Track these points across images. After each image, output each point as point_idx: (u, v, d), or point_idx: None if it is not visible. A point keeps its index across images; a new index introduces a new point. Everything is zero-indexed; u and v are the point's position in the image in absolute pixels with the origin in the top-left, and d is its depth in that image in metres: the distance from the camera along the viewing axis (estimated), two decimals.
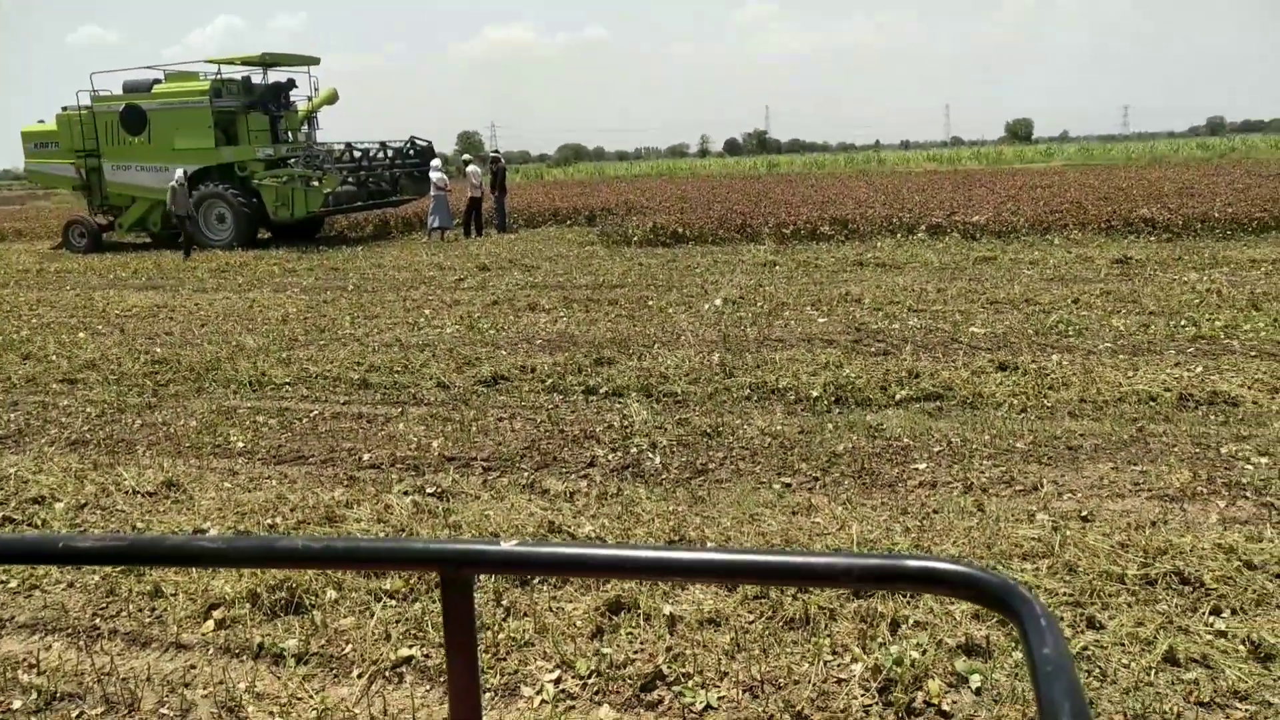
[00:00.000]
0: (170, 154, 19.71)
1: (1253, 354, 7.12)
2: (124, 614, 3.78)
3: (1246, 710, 2.88)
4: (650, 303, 10.46)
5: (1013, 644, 3.24)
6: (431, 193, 19.70)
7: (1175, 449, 5.20)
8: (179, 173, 18.25)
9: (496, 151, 26.44)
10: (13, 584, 4.05)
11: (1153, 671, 3.08)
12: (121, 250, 20.36)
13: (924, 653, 3.20)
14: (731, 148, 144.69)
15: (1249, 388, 6.17)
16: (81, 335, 9.90)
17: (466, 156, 21.80)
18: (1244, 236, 14.11)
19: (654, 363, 7.50)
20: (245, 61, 20.48)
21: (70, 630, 3.66)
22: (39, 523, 4.75)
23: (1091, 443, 5.36)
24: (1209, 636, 3.26)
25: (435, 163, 20.50)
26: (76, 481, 5.29)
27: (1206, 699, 2.94)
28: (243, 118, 19.98)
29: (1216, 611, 3.41)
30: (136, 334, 9.96)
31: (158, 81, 20.76)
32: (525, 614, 3.61)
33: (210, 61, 20.53)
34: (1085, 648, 3.23)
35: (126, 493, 5.11)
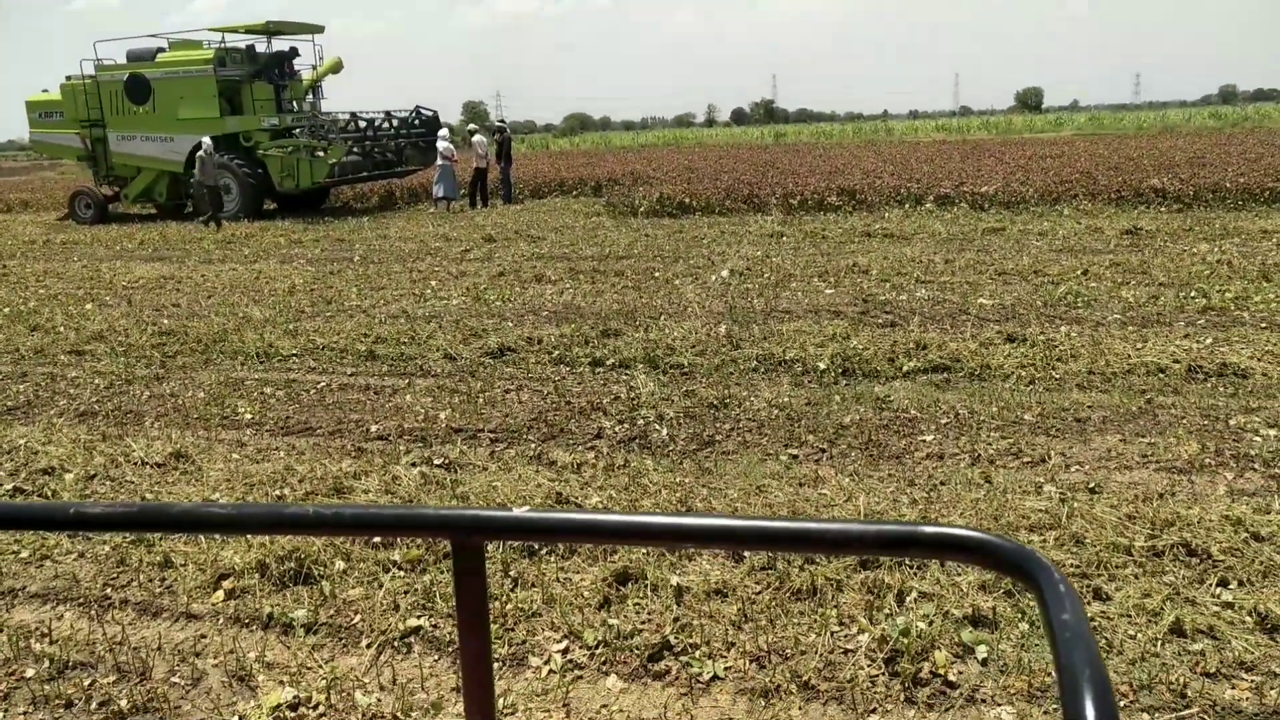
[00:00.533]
0: (175, 124, 19.63)
1: (1263, 325, 7.08)
2: (134, 584, 3.80)
3: (1253, 680, 2.89)
4: (657, 274, 10.43)
5: (1019, 614, 3.25)
6: (438, 163, 19.61)
7: (1184, 421, 5.19)
8: (206, 141, 18.10)
9: (502, 122, 26.30)
10: (24, 554, 4.08)
11: (1159, 643, 3.08)
12: (127, 221, 20.35)
13: (930, 623, 3.21)
14: (738, 117, 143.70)
15: (1259, 359, 6.14)
16: (89, 307, 9.91)
17: (472, 126, 21.73)
18: (1256, 207, 13.99)
19: (660, 334, 7.49)
20: (249, 29, 20.33)
21: (81, 600, 3.69)
22: (49, 493, 4.78)
23: (1100, 414, 5.34)
24: (1216, 608, 3.26)
25: (442, 133, 20.38)
26: (85, 452, 5.31)
27: (1213, 670, 2.94)
28: (247, 87, 19.86)
29: (1224, 583, 3.41)
30: (144, 305, 9.97)
31: (161, 50, 20.64)
32: (533, 584, 3.63)
33: (214, 30, 20.39)
34: (1092, 618, 3.24)
35: (135, 464, 5.13)
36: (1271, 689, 2.83)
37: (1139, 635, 3.13)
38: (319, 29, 21.58)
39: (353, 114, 21.71)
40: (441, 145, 19.60)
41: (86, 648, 3.32)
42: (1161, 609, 3.25)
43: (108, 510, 1.39)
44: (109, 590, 3.77)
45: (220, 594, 3.67)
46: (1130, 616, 3.24)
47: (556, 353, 7.16)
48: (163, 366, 7.38)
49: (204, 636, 3.41)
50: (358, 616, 3.48)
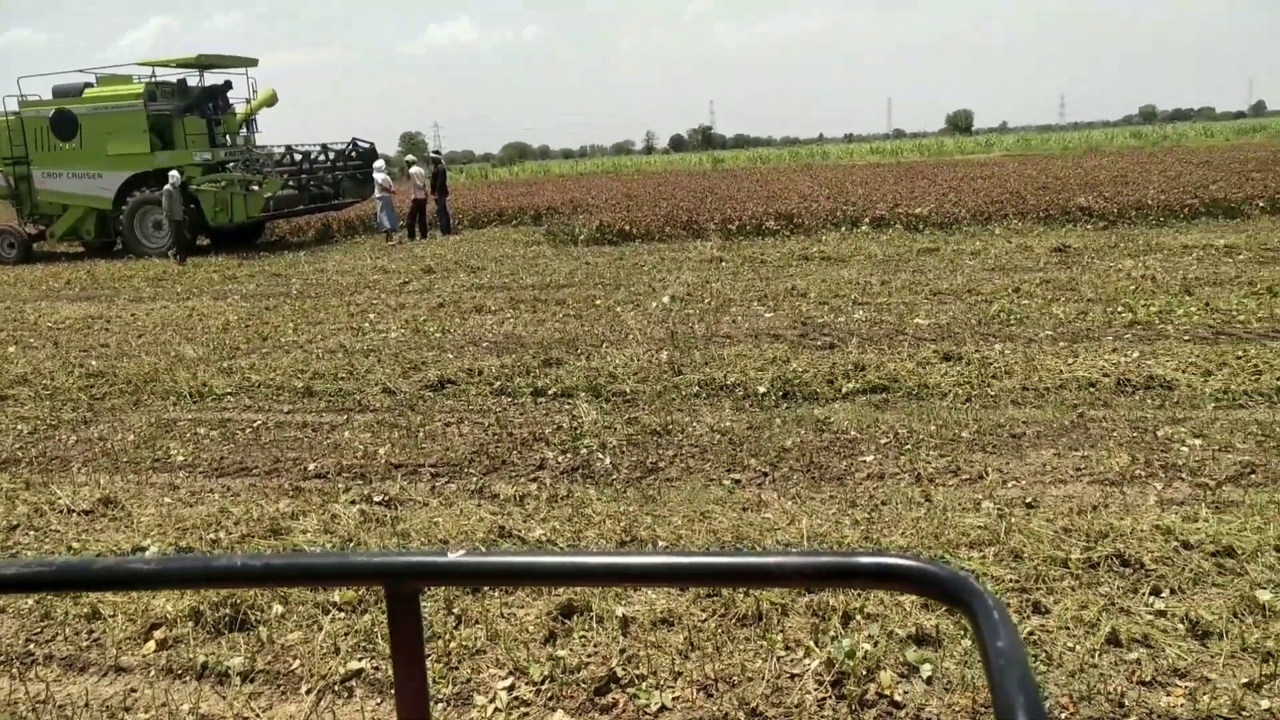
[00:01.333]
0: (103, 160, 19.21)
1: (1186, 338, 7.31)
2: (60, 638, 3.66)
3: (1186, 687, 2.94)
4: (598, 302, 10.44)
5: (961, 632, 3.28)
6: (376, 194, 19.45)
7: (1114, 433, 5.31)
8: (175, 175, 17.70)
9: (437, 153, 26.19)
10: None
11: (1097, 653, 3.14)
12: (54, 260, 19.81)
13: (875, 644, 3.22)
14: (677, 144, 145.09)
15: (1183, 371, 6.33)
16: (12, 350, 9.61)
17: (410, 158, 21.60)
18: (1176, 223, 14.48)
19: (602, 362, 7.48)
20: (180, 64, 20.00)
21: (3, 658, 3.55)
22: None
23: (1034, 430, 5.45)
24: (1149, 616, 3.33)
25: (379, 164, 20.23)
26: (7, 502, 5.13)
27: (1149, 678, 3.00)
28: (179, 121, 19.53)
29: (1156, 592, 3.49)
30: (70, 347, 9.69)
31: (89, 85, 20.20)
32: (476, 621, 3.57)
33: (144, 64, 20.03)
34: (1031, 633, 3.28)
35: (61, 512, 4.96)
36: (1204, 695, 2.89)
37: (1077, 647, 3.18)
38: (252, 62, 21.32)
39: (288, 147, 21.47)
40: (379, 177, 19.46)
41: (7, 708, 3.18)
42: (1098, 620, 3.31)
43: (24, 570, 1.33)
44: (32, 646, 3.62)
45: (152, 645, 3.55)
46: (1069, 628, 3.30)
47: (498, 383, 7.11)
48: (90, 409, 7.17)
49: (134, 690, 3.29)
50: (296, 662, 3.39)
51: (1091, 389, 6.14)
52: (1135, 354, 6.82)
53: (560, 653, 3.32)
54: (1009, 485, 4.69)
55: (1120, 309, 8.35)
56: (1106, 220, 14.91)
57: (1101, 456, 4.94)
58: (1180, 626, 3.26)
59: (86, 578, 1.46)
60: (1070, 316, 8.23)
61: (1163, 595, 3.47)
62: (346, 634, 3.53)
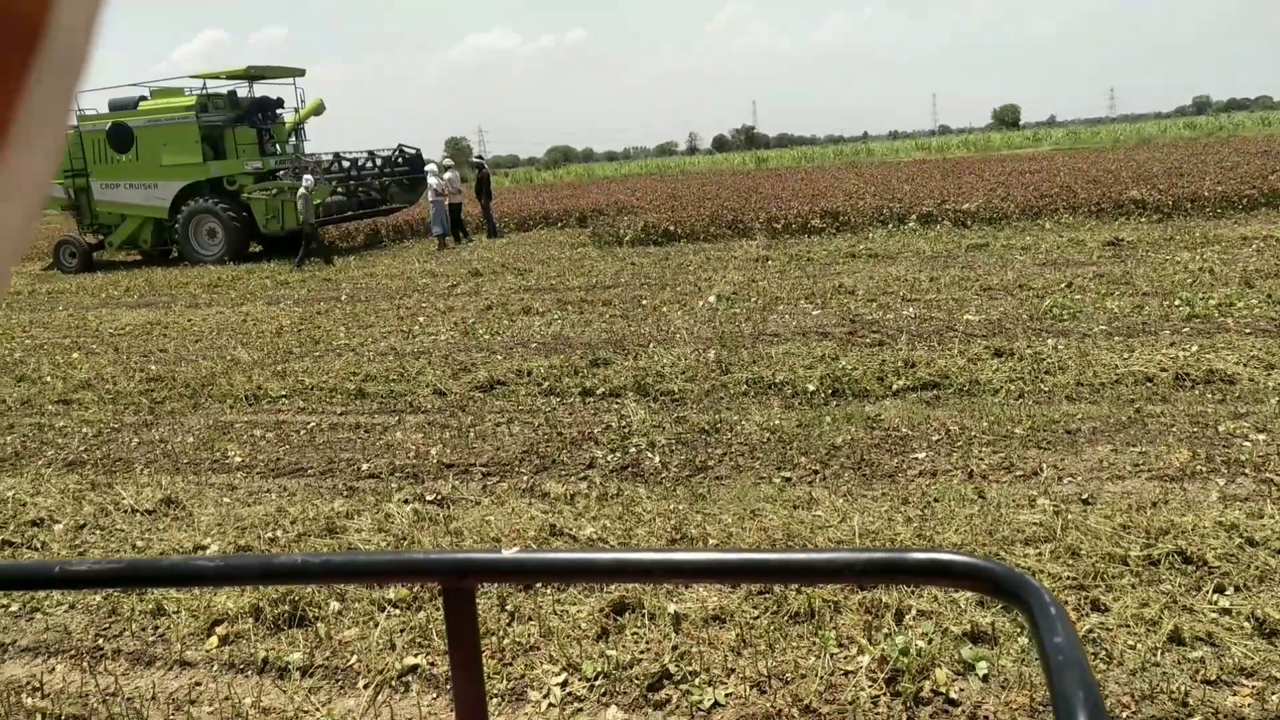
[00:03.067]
0: (158, 170, 19.67)
1: (1247, 331, 7.13)
2: (127, 633, 3.76)
3: (1253, 686, 2.88)
4: (644, 302, 10.46)
5: (1018, 629, 3.24)
6: (430, 199, 19.61)
7: (1173, 429, 5.21)
8: (307, 179, 18.03)
9: (480, 158, 26.37)
10: (14, 608, 4.04)
11: (1159, 652, 3.08)
12: (113, 269, 20.31)
13: (930, 642, 3.20)
14: (720, 144, 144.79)
15: (1245, 365, 6.18)
16: (75, 355, 9.87)
17: (447, 161, 21.70)
18: (1234, 214, 14.12)
19: (650, 362, 7.50)
20: (230, 75, 20.43)
21: (73, 652, 3.65)
22: (38, 545, 4.74)
23: (1090, 425, 5.36)
24: (1214, 615, 3.26)
25: (431, 168, 20.37)
26: (74, 502, 5.27)
27: (1213, 677, 2.94)
28: (230, 132, 19.93)
29: (1220, 589, 3.41)
30: (131, 352, 9.94)
31: (143, 98, 20.71)
32: (530, 618, 3.61)
33: (196, 76, 20.50)
34: (1091, 630, 3.23)
35: (125, 511, 5.10)
36: (1273, 694, 2.83)
37: (1138, 645, 3.13)
38: (300, 72, 21.69)
39: (336, 154, 21.79)
40: (432, 181, 19.61)
41: (79, 701, 3.28)
42: (1160, 618, 3.25)
43: (96, 568, 1.38)
44: (101, 641, 3.73)
45: (214, 640, 3.64)
46: (1129, 626, 3.24)
47: (546, 384, 7.16)
48: (151, 412, 7.34)
49: (198, 684, 3.38)
50: (354, 657, 3.45)
51: (1149, 384, 6.02)
52: (1194, 348, 6.67)
53: (612, 650, 3.34)
54: (1064, 482, 4.62)
55: (1177, 302, 8.17)
56: (1161, 213, 14.59)
57: (1160, 452, 4.84)
58: (1246, 625, 3.18)
59: (156, 575, 1.51)
60: (1125, 311, 8.08)
61: (1227, 593, 3.39)
62: (402, 630, 3.58)
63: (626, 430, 5.93)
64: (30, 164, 0.26)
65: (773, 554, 1.17)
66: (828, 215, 16.71)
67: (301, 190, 17.64)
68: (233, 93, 20.65)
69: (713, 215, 18.10)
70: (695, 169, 54.59)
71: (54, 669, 3.55)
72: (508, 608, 3.68)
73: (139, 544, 4.67)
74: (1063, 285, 9.41)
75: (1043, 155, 36.38)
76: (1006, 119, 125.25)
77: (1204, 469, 4.61)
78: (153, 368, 8.88)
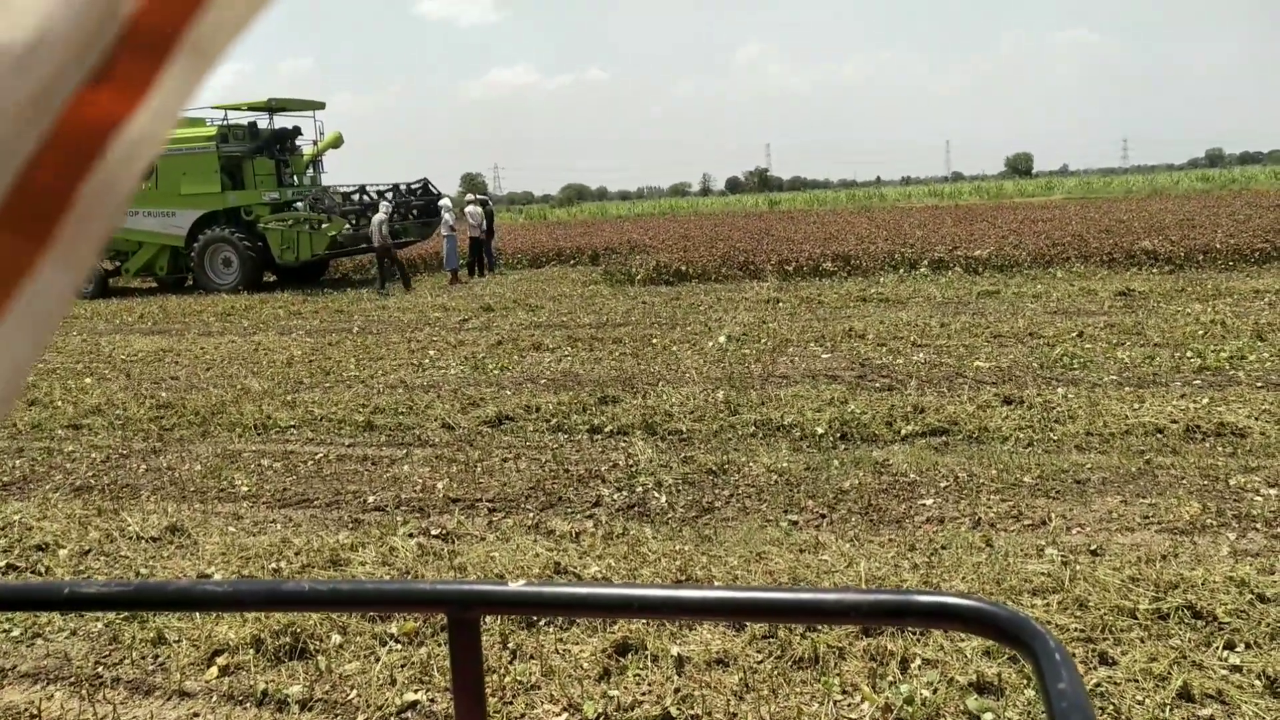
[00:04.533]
0: (177, 199, 19.87)
1: (1259, 384, 7.10)
2: (127, 661, 3.75)
3: None
4: (654, 341, 10.48)
5: (1025, 681, 3.20)
6: (443, 233, 19.75)
7: (1184, 481, 5.17)
8: (385, 205, 18.60)
9: (484, 196, 26.53)
10: (15, 632, 4.03)
11: (1168, 708, 3.04)
12: (127, 295, 20.47)
13: (935, 691, 3.16)
14: (733, 186, 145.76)
15: (1256, 418, 6.15)
16: (87, 380, 9.92)
17: (470, 197, 21.91)
18: (1246, 267, 14.12)
19: (658, 401, 7.50)
20: (251, 107, 20.71)
21: (73, 679, 3.64)
22: (43, 570, 4.74)
23: (1099, 476, 5.33)
24: (1224, 671, 3.22)
25: (445, 203, 20.53)
26: (80, 528, 5.27)
27: None
28: (249, 162, 20.16)
29: (1230, 646, 3.37)
30: (142, 379, 9.99)
31: None
32: (532, 656, 3.58)
33: (217, 107, 20.78)
34: (1099, 684, 3.19)
35: (131, 538, 5.10)
36: None
37: (1147, 700, 3.08)
38: (320, 105, 21.98)
39: (361, 187, 22.02)
40: (447, 216, 19.74)
41: None
42: (1169, 673, 3.20)
43: (103, 590, 1.38)
44: (101, 669, 3.71)
45: (214, 671, 3.62)
46: (1137, 681, 3.20)
47: (555, 420, 7.16)
48: (160, 439, 7.36)
49: (197, 715, 3.35)
50: (354, 692, 3.43)
51: (1159, 435, 5.99)
52: (1205, 400, 6.64)
53: (614, 690, 3.31)
54: (1073, 532, 4.59)
55: (1189, 354, 8.15)
56: (1173, 264, 14.60)
57: (1170, 505, 4.80)
58: (1257, 683, 3.14)
59: (164, 598, 1.51)
60: (1136, 361, 8.06)
61: (1237, 650, 3.35)
62: (403, 665, 3.56)
63: (634, 469, 5.92)
64: (11, 343, 0.29)
65: (778, 593, 1.17)
66: (839, 259, 16.78)
67: (379, 216, 18.06)
68: (253, 124, 20.91)
69: (724, 256, 18.19)
70: (708, 210, 54.93)
71: (53, 696, 3.53)
72: (510, 645, 3.66)
73: (143, 571, 4.66)
74: (1074, 334, 9.40)
75: (1055, 204, 36.49)
76: (1019, 167, 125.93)
77: (1214, 523, 4.57)
78: (163, 394, 8.92)
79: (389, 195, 21.30)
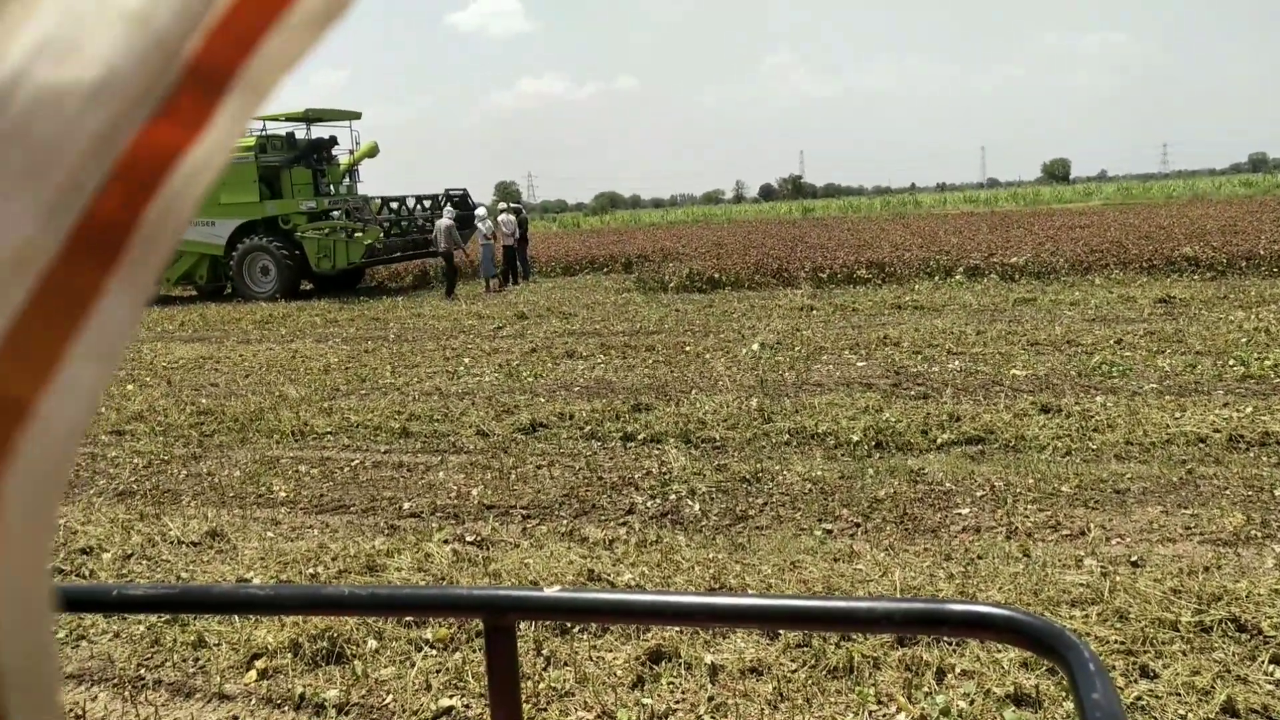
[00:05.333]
0: (216, 208, 20.17)
1: None
2: (168, 664, 3.81)
3: None
4: (687, 348, 10.48)
5: (1063, 693, 3.16)
6: (480, 242, 19.87)
7: (1227, 491, 5.09)
8: (450, 212, 19.29)
9: (518, 204, 26.65)
10: (61, 634, 4.11)
11: None
12: (168, 304, 20.82)
13: (971, 702, 3.13)
14: (766, 193, 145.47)
15: None
16: (129, 387, 10.10)
17: (502, 205, 22.06)
18: None
19: (692, 408, 7.50)
20: (289, 117, 21.00)
21: (116, 680, 3.70)
22: (87, 573, 4.83)
23: (1139, 486, 5.26)
24: (1269, 686, 3.16)
25: (481, 211, 20.66)
26: (123, 532, 5.37)
27: None
28: (287, 172, 20.43)
29: (1277, 660, 3.31)
30: (183, 385, 10.15)
31: None
32: (565, 663, 3.59)
33: (255, 118, 21.06)
34: (1139, 698, 3.15)
35: (172, 543, 5.18)
36: None
37: (1189, 715, 3.04)
38: (356, 115, 22.25)
39: (400, 199, 22.27)
40: (483, 225, 19.82)
41: None
42: (1212, 687, 3.15)
43: (150, 592, 1.41)
44: (143, 671, 3.77)
45: (253, 674, 3.66)
46: (1180, 695, 3.15)
47: (588, 428, 7.18)
48: (200, 445, 7.48)
49: (235, 718, 3.40)
50: (390, 697, 3.46)
51: (1201, 445, 5.89)
52: (1249, 409, 6.53)
53: (648, 699, 3.31)
54: (1113, 542, 4.53)
55: (1232, 362, 8.02)
56: (1215, 271, 14.37)
57: (1213, 515, 4.72)
58: None
59: (208, 600, 1.55)
60: (1177, 369, 7.93)
61: None
62: (438, 671, 3.58)
63: (667, 477, 5.92)
64: (85, 367, 0.31)
65: (813, 601, 1.18)
66: (873, 266, 16.68)
67: (446, 222, 18.42)
68: (291, 134, 21.20)
69: (758, 264, 18.14)
70: (742, 217, 54.85)
71: (96, 696, 3.60)
72: (544, 652, 3.67)
73: (184, 575, 4.73)
74: (1112, 342, 9.27)
75: (1093, 210, 36.04)
76: (1056, 173, 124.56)
77: (1259, 534, 4.49)
78: (203, 401, 9.06)
79: (455, 199, 21.75)
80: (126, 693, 3.59)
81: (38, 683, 0.31)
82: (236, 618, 4.04)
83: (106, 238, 0.30)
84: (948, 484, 5.48)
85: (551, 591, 1.29)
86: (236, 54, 0.31)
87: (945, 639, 3.52)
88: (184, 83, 0.31)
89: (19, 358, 0.29)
